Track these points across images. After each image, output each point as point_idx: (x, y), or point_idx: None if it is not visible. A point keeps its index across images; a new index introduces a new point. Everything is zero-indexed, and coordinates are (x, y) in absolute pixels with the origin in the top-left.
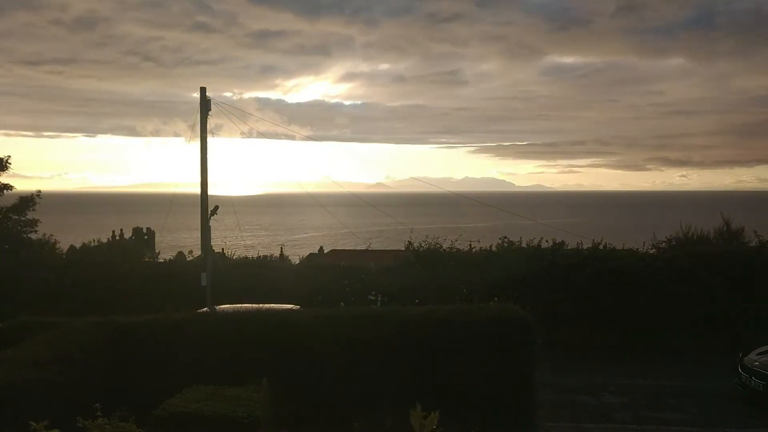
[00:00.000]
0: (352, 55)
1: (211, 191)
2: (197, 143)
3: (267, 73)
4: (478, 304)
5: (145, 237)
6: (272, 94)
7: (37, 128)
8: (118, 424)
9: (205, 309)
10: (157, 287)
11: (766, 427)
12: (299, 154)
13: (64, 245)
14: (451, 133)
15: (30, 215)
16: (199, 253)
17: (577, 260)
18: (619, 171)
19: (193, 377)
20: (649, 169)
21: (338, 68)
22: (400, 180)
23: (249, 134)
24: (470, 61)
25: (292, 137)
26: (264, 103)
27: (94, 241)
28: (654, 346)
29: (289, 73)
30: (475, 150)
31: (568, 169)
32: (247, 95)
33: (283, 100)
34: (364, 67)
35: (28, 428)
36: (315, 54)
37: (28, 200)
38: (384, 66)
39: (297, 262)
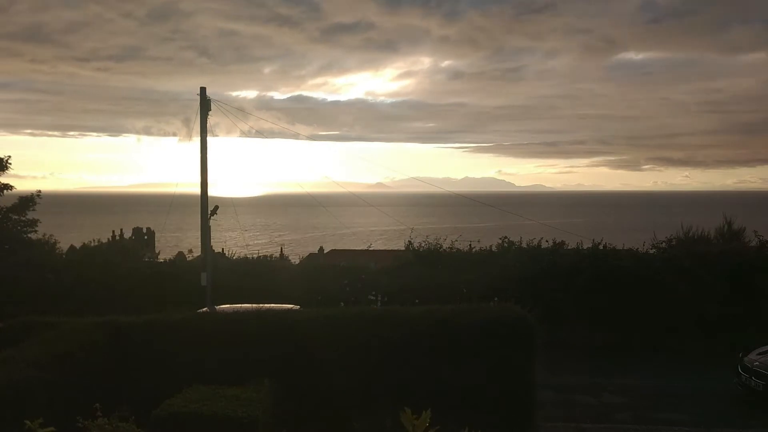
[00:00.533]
0: (418, 50)
1: (211, 191)
2: (190, 143)
3: (323, 70)
4: (478, 304)
5: (145, 237)
6: (316, 93)
7: (64, 128)
8: (118, 424)
9: (205, 309)
10: (157, 287)
11: (766, 427)
12: (300, 154)
13: (64, 245)
14: (475, 132)
15: (30, 215)
16: (199, 253)
17: (577, 260)
18: (619, 171)
19: (193, 377)
20: (650, 169)
21: (399, 65)
22: (400, 180)
23: (248, 134)
24: (540, 56)
25: (294, 137)
26: (301, 101)
27: (94, 241)
28: (654, 346)
29: (345, 70)
30: (473, 149)
31: (568, 169)
32: (289, 95)
33: (325, 99)
34: (426, 63)
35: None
36: (380, 50)
37: (28, 200)
38: (446, 62)
39: (297, 262)
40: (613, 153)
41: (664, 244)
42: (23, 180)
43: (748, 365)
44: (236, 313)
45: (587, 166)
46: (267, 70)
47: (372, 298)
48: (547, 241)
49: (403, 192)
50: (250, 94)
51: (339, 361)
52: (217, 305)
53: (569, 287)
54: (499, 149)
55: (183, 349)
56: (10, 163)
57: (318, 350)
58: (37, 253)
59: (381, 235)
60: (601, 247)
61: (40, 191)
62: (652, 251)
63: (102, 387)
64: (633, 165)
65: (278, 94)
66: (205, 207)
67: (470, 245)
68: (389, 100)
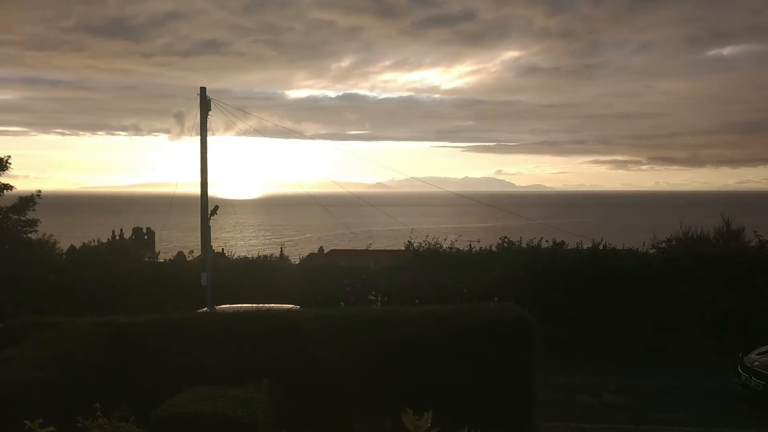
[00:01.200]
0: (503, 44)
1: (211, 192)
2: (188, 142)
3: (394, 66)
4: (478, 304)
5: (145, 237)
6: (370, 92)
7: (94, 127)
8: (117, 424)
9: (205, 309)
10: (157, 287)
11: (766, 427)
12: (302, 154)
13: (64, 245)
14: (502, 131)
15: (30, 215)
16: (199, 253)
17: (577, 260)
18: (619, 171)
19: (193, 377)
20: (650, 170)
21: (476, 60)
22: (400, 180)
23: (248, 133)
24: (629, 50)
25: (294, 136)
26: (350, 99)
27: (94, 241)
28: (654, 346)
29: (416, 66)
30: (472, 149)
31: (568, 169)
32: (342, 93)
33: (376, 97)
34: (504, 57)
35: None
36: (466, 43)
37: (28, 200)
38: (526, 57)
39: (297, 262)
40: (613, 153)
41: (664, 244)
42: (34, 180)
43: (748, 365)
44: (236, 313)
45: (586, 163)
46: (336, 65)
47: (372, 298)
48: (547, 241)
49: (403, 192)
50: (302, 93)
51: (339, 361)
52: (217, 305)
53: (569, 287)
54: (502, 149)
55: (183, 349)
56: (9, 163)
57: (318, 350)
58: (37, 253)
59: (381, 235)
60: (601, 247)
61: (40, 191)
62: (652, 251)
63: (102, 387)
64: (633, 165)
65: (331, 93)
66: (205, 207)
67: (470, 245)
68: (441, 97)
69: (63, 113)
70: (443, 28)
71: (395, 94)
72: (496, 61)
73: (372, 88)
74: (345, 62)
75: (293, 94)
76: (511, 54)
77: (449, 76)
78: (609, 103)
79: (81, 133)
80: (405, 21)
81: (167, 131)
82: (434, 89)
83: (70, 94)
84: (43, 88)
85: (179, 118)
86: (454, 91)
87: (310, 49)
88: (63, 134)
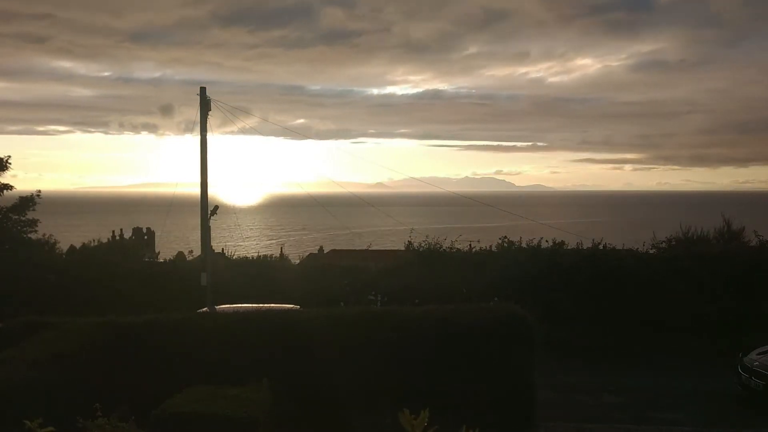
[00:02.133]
0: (647, 34)
1: (211, 194)
2: (167, 140)
3: (510, 60)
4: (478, 304)
5: (145, 237)
6: (453, 87)
7: (138, 127)
8: (117, 424)
9: (205, 309)
10: (157, 287)
11: (766, 427)
12: (302, 154)
13: (64, 245)
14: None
15: (30, 215)
16: (199, 253)
17: (577, 260)
18: (620, 171)
19: (193, 377)
20: (651, 169)
21: (603, 52)
22: (400, 180)
23: (248, 133)
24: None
25: (293, 137)
26: (423, 97)
27: (94, 241)
28: (654, 346)
29: (533, 61)
30: (465, 148)
31: (568, 169)
32: (423, 89)
33: (458, 92)
34: (634, 49)
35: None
36: (606, 34)
37: (28, 200)
38: (663, 51)
39: (297, 262)
40: (614, 152)
41: (664, 244)
42: (23, 180)
43: (748, 365)
44: (236, 313)
45: (588, 165)
46: (447, 59)
47: (372, 298)
48: (547, 241)
49: (403, 192)
50: (384, 90)
51: (339, 361)
52: (217, 305)
53: (569, 287)
54: (503, 148)
55: (183, 349)
56: (9, 163)
57: (318, 350)
58: (37, 253)
59: (381, 235)
60: (600, 247)
61: (40, 191)
62: (652, 251)
63: (102, 387)
64: (636, 165)
65: (414, 90)
66: (205, 207)
67: (470, 245)
68: (522, 94)
69: (115, 111)
70: (598, 15)
71: (477, 92)
72: (621, 54)
73: (460, 86)
74: (460, 55)
75: (374, 91)
76: (645, 47)
77: (557, 69)
78: (695, 100)
79: (126, 132)
80: (563, 7)
81: (153, 127)
82: (530, 85)
83: (132, 92)
84: (116, 84)
85: (168, 112)
86: (548, 86)
87: (433, 41)
88: (107, 133)
